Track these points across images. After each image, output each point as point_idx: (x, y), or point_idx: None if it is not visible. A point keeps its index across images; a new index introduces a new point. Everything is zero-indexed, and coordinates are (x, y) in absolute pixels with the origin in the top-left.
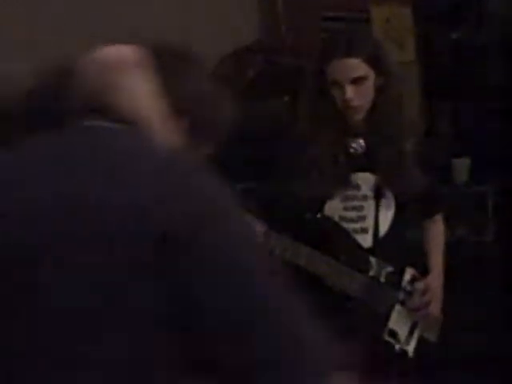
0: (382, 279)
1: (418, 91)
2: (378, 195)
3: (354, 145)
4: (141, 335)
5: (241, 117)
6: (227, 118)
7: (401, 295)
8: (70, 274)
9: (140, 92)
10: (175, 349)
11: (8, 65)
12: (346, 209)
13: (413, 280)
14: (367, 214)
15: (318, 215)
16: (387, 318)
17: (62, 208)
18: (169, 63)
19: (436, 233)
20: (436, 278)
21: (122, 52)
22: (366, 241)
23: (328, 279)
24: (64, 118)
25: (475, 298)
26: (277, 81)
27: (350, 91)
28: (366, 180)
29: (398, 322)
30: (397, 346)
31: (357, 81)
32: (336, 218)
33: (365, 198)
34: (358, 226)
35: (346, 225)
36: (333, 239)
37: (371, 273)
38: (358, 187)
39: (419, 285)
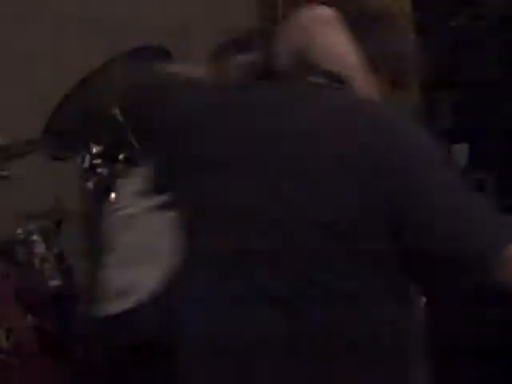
0: None
1: (416, 79)
2: None
3: None
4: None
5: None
6: (420, 69)
7: None
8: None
9: (342, 49)
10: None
11: None
12: None
13: None
14: None
15: None
16: None
17: (305, 135)
18: (363, 21)
19: None
20: None
21: (321, 12)
22: None
23: None
24: (278, 74)
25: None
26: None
27: None
28: None
29: None
30: None
31: None
32: None
33: None
34: None
35: None
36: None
37: None
38: None
39: None
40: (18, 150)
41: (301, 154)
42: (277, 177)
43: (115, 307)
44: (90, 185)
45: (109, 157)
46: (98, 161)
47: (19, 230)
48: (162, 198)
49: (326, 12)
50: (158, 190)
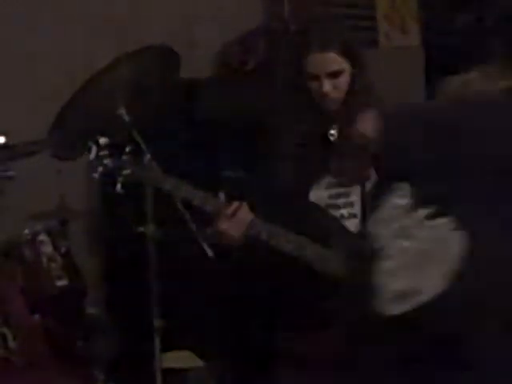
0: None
1: (422, 76)
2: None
3: (332, 132)
4: None
5: (240, 103)
6: None
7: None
8: None
9: None
10: None
11: None
12: (331, 196)
13: None
14: (354, 199)
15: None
16: None
17: None
18: None
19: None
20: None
21: None
22: (355, 226)
23: (316, 265)
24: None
25: None
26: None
27: (327, 84)
28: (348, 166)
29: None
30: None
31: (333, 74)
32: (323, 205)
33: (348, 183)
34: (345, 211)
35: (333, 211)
36: (321, 226)
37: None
38: (341, 173)
39: None
40: (23, 150)
41: None
42: None
43: (394, 309)
44: (97, 176)
45: (116, 148)
46: (105, 152)
47: (26, 230)
48: (431, 209)
49: None
50: (425, 202)
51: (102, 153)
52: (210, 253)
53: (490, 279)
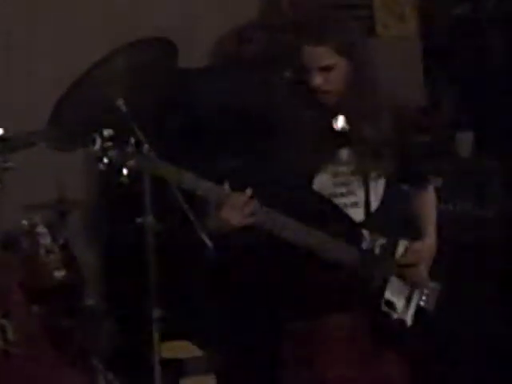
0: (376, 252)
1: (419, 66)
2: (365, 169)
3: (336, 122)
4: None
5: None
6: None
7: (395, 267)
8: None
9: None
10: None
11: None
12: (335, 185)
13: (406, 251)
14: (357, 188)
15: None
16: (383, 289)
17: None
18: None
19: (426, 202)
20: (425, 245)
21: None
22: (358, 214)
23: (320, 253)
24: None
25: (476, 271)
26: (277, 57)
27: (317, 78)
28: (353, 155)
29: (394, 293)
30: (394, 316)
31: (325, 68)
32: (326, 194)
33: (353, 173)
34: (348, 200)
35: (336, 200)
36: (324, 214)
37: (364, 246)
38: (345, 162)
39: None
40: (22, 142)
41: None
42: None
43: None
44: (102, 167)
45: (119, 140)
46: (108, 144)
47: (24, 222)
48: None
49: None
50: None
51: (106, 144)
52: (209, 243)
53: None
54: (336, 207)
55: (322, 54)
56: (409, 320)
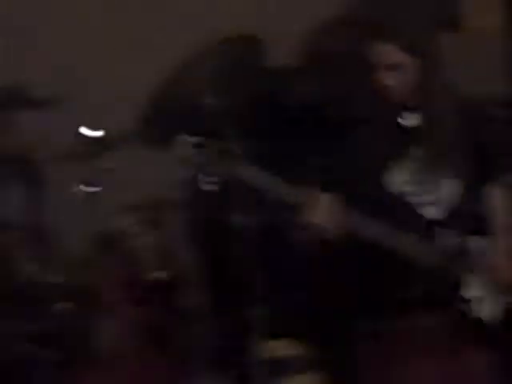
0: (451, 249)
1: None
2: (439, 167)
3: (407, 119)
4: None
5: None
6: None
7: (470, 264)
8: None
9: None
10: None
11: None
12: (407, 182)
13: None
14: (430, 186)
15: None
16: (459, 286)
17: None
18: None
19: (499, 198)
20: (499, 243)
21: None
22: (432, 212)
23: (401, 252)
24: None
25: None
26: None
27: (383, 75)
28: (425, 154)
29: (470, 290)
30: (472, 313)
31: (391, 67)
32: (398, 193)
33: (426, 170)
34: (422, 198)
35: (409, 198)
36: (397, 213)
37: (439, 243)
38: (418, 160)
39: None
40: (116, 142)
41: None
42: None
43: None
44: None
45: (209, 146)
46: (199, 149)
47: (121, 222)
48: None
49: None
50: None
51: (196, 149)
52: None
53: None
54: (408, 205)
55: (388, 52)
56: (485, 318)
